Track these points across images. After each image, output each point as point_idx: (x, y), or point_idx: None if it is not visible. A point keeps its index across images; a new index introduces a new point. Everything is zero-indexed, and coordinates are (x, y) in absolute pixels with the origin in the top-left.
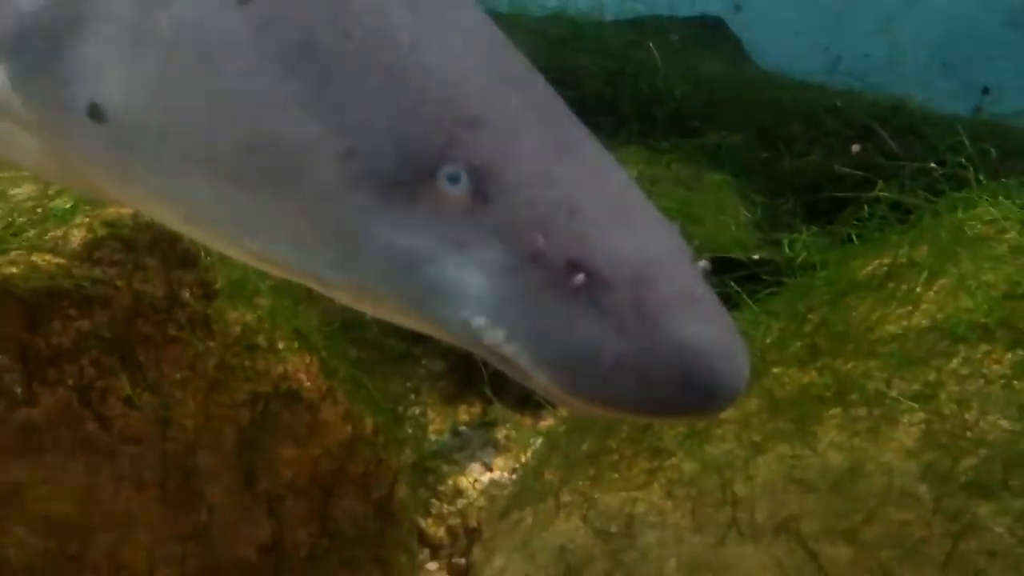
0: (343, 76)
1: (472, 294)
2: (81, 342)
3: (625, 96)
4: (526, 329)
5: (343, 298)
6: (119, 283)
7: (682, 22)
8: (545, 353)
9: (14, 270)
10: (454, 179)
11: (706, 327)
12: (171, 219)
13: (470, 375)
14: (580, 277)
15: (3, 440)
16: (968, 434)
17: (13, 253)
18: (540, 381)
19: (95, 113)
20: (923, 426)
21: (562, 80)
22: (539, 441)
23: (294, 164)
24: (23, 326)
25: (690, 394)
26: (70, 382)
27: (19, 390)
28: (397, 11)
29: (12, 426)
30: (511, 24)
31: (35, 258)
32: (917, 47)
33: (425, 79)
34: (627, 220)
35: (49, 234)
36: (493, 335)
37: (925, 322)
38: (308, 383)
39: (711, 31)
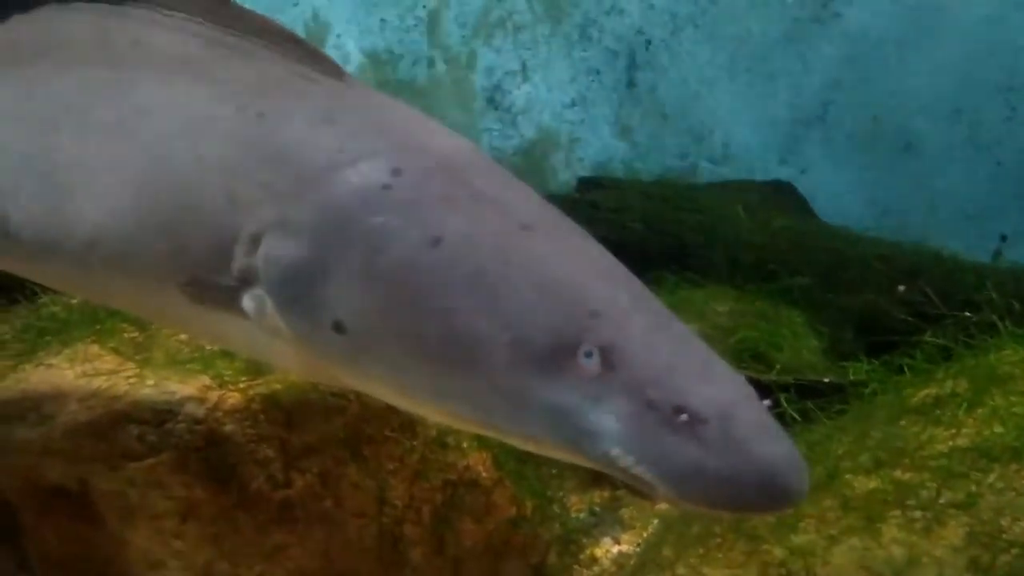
0: (507, 289)
1: (609, 434)
2: (324, 440)
3: (716, 245)
4: (649, 456)
5: (515, 442)
6: (351, 397)
7: (760, 184)
8: (664, 471)
9: (278, 387)
10: (588, 355)
11: (776, 448)
12: (387, 395)
13: None
14: (684, 416)
15: (269, 512)
16: (1004, 536)
17: (279, 374)
18: (662, 491)
19: (338, 328)
20: (967, 528)
21: (665, 230)
22: (656, 521)
23: (477, 352)
24: (283, 427)
25: (768, 498)
26: (315, 470)
27: (280, 476)
28: (538, 242)
29: (274, 502)
30: (626, 187)
31: (293, 378)
32: (945, 200)
33: (562, 287)
34: (710, 374)
35: None
36: (626, 461)
37: (966, 443)
38: (484, 474)
39: (783, 192)
